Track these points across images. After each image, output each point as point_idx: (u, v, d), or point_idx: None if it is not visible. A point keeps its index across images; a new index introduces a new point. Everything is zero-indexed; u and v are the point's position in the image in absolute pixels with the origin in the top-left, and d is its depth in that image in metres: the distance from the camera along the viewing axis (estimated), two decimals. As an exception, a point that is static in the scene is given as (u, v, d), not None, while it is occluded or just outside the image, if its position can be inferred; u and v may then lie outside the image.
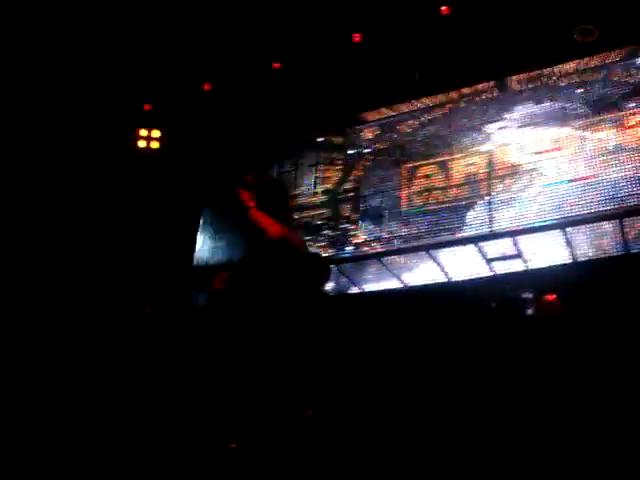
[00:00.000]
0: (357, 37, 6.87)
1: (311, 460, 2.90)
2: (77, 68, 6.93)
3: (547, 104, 6.61)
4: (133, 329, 6.51)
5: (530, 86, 6.78)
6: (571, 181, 6.13)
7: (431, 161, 6.87)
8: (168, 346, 5.90)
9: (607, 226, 6.08)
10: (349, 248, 6.79)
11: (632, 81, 6.35)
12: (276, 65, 7.16)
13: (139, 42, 6.90)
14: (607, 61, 6.52)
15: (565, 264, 6.20)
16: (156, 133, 7.67)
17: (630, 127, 6.18)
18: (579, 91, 6.51)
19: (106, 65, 7.02)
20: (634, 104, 6.24)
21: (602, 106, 6.36)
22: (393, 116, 7.29)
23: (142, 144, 7.64)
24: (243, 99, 7.48)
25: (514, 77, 6.86)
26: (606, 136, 6.21)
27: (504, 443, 5.39)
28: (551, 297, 6.22)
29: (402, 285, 6.69)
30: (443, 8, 6.48)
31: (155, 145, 7.66)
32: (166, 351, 5.82)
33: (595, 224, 6.06)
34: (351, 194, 7.13)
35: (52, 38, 6.68)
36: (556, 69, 6.69)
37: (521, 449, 5.23)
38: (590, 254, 6.21)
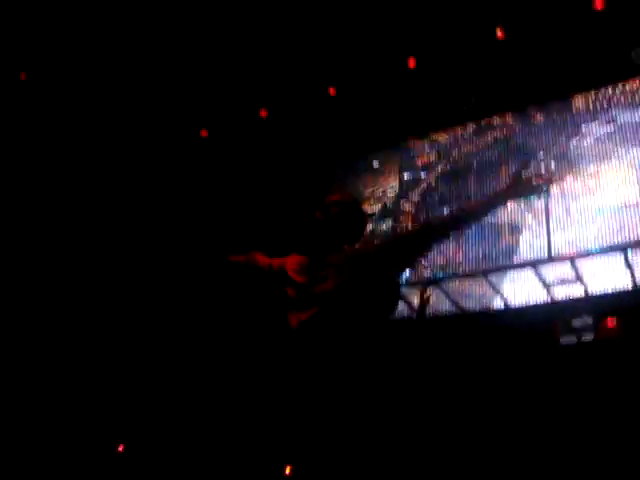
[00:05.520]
0: (412, 63, 6.89)
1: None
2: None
3: (605, 125, 6.54)
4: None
5: (586, 107, 6.71)
6: (631, 205, 6.04)
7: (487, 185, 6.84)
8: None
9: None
10: (405, 274, 6.76)
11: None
12: (332, 90, 7.23)
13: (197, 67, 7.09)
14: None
15: (626, 289, 6.09)
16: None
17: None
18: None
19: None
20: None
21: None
22: (449, 140, 7.29)
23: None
24: (300, 124, 7.58)
25: (575, 98, 6.80)
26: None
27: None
28: (611, 322, 6.12)
29: (459, 310, 6.66)
30: (499, 33, 6.47)
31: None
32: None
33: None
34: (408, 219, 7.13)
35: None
36: (616, 89, 6.62)
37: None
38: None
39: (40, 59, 6.74)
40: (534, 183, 2.91)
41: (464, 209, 3.62)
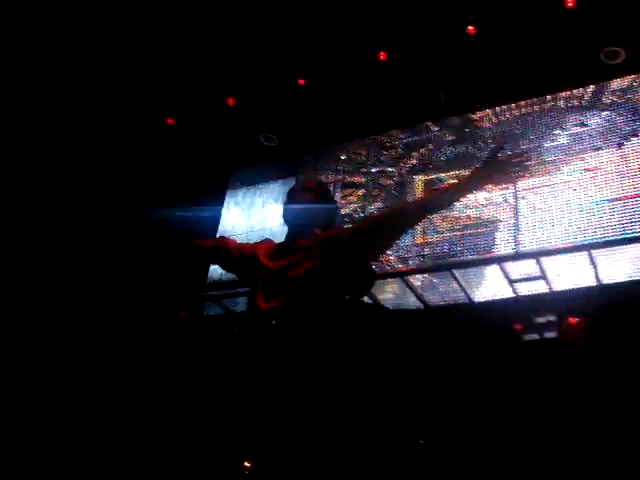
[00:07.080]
0: (383, 55, 6.84)
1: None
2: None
3: (574, 126, 6.55)
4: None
5: (556, 107, 6.72)
6: (599, 202, 6.04)
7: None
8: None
9: (633, 249, 5.99)
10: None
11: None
12: (301, 81, 7.16)
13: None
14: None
15: (590, 287, 6.09)
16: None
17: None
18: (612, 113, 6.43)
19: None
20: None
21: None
22: (417, 135, 7.25)
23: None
24: (266, 114, 7.52)
25: (545, 98, 6.81)
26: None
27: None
28: (574, 320, 6.12)
29: (423, 305, 6.61)
30: (470, 28, 6.45)
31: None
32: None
33: (620, 247, 5.96)
34: (376, 211, 7.06)
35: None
36: (587, 89, 6.64)
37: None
38: (616, 277, 6.11)
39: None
40: (512, 162, 2.83)
41: (438, 191, 3.53)
